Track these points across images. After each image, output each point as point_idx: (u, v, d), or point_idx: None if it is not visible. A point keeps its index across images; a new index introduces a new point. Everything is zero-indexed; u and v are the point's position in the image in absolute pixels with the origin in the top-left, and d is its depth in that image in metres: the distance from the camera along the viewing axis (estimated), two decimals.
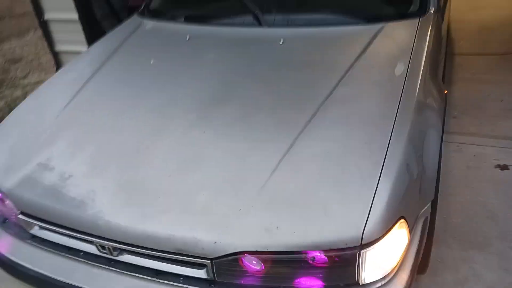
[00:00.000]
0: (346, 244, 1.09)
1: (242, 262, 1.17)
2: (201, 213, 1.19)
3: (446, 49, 2.86)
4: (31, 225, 1.47)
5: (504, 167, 2.38)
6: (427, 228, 1.41)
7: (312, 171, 1.23)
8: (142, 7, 2.53)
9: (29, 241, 1.49)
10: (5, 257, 1.50)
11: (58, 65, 3.78)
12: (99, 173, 1.38)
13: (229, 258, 1.15)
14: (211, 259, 1.17)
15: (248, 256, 1.15)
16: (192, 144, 1.41)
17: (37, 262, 1.44)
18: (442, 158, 1.70)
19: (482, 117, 2.85)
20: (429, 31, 1.79)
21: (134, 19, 2.42)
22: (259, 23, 1.96)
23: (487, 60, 3.69)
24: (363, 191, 1.14)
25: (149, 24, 2.29)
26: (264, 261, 1.16)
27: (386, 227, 1.12)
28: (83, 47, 3.19)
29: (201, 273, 1.23)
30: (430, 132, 1.46)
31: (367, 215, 1.09)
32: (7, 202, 1.48)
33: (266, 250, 1.12)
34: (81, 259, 1.39)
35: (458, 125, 2.80)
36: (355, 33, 1.81)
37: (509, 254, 1.88)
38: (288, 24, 1.94)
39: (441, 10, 2.08)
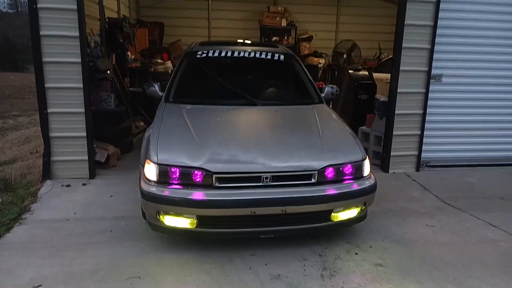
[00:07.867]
0: (359, 160, 3.17)
1: (326, 170, 3.05)
2: (305, 155, 3.09)
3: None
4: (216, 180, 2.91)
5: None
6: None
7: (336, 139, 3.33)
8: (165, 100, 4.09)
9: (213, 190, 2.90)
10: (204, 199, 2.85)
11: None
12: (246, 150, 3.07)
13: (323, 169, 3.03)
14: (317, 170, 3.01)
15: (329, 168, 3.06)
16: (273, 134, 3.36)
17: (224, 196, 2.88)
18: None
19: None
20: (327, 105, 4.23)
21: (172, 104, 3.94)
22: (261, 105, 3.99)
23: None
24: (358, 145, 3.27)
25: (187, 106, 3.92)
26: (334, 170, 3.07)
27: (365, 156, 3.24)
28: None
29: (311, 180, 3.03)
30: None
31: (360, 152, 3.23)
32: (198, 172, 2.89)
33: (334, 164, 3.07)
34: (249, 189, 2.93)
35: None
36: (307, 107, 4.08)
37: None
38: (274, 105, 4.03)
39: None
